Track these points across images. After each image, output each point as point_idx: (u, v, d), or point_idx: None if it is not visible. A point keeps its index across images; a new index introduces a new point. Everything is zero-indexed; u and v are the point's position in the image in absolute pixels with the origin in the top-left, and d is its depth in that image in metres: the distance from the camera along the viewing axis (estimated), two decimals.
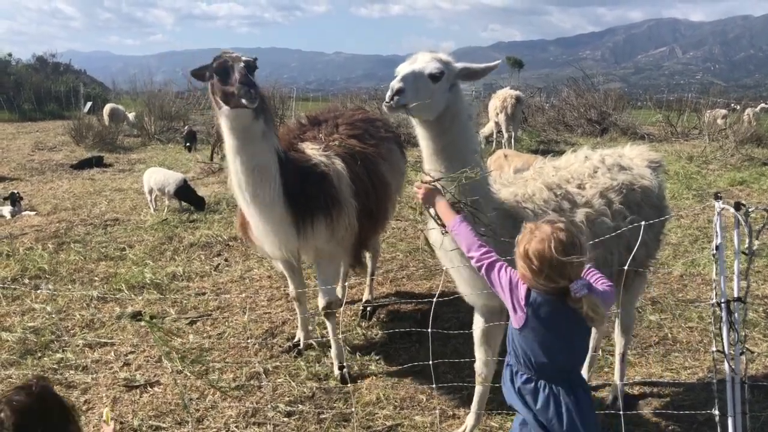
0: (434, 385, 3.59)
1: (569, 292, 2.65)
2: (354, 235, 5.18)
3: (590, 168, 4.17)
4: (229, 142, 4.45)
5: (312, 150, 5.08)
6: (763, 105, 26.68)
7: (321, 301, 5.20)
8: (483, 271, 2.95)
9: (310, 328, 6.00)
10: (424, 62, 3.40)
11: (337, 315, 5.40)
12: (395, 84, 3.27)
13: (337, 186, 4.91)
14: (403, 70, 3.41)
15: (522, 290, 2.79)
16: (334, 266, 5.40)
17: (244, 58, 4.34)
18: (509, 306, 2.86)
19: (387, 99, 3.30)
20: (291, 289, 5.65)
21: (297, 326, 5.96)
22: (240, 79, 4.19)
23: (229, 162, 4.54)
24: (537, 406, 2.87)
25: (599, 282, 2.88)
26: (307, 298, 6.02)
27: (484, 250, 2.96)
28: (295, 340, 5.86)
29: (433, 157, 3.52)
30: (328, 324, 5.33)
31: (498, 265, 2.91)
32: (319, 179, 4.83)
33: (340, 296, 5.91)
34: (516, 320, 2.83)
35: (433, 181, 3.30)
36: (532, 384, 2.88)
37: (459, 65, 3.54)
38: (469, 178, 3.28)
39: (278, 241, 4.78)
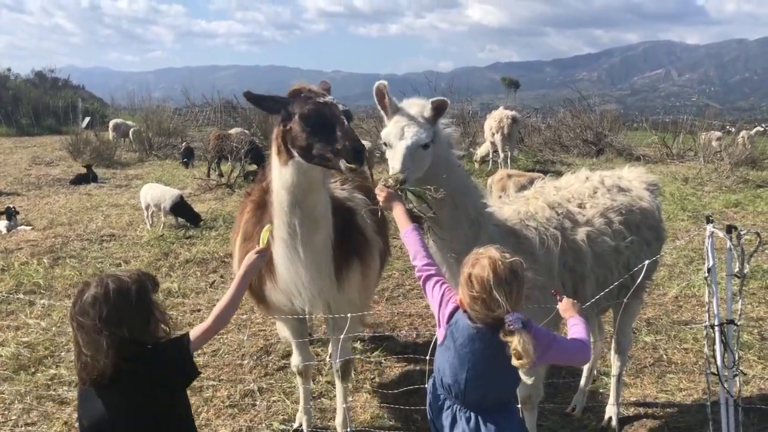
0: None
1: (503, 324, 2.62)
2: (377, 278, 4.70)
3: (590, 188, 4.23)
4: (285, 195, 3.75)
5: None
6: (758, 128, 26.86)
7: (336, 367, 4.54)
8: (421, 281, 3.05)
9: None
10: (413, 132, 3.28)
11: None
12: (399, 176, 3.19)
13: (362, 224, 4.33)
14: (394, 142, 3.30)
15: (449, 308, 2.85)
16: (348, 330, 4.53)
17: (341, 106, 3.59)
18: (436, 320, 2.94)
19: (390, 185, 3.21)
20: (296, 361, 4.67)
21: (299, 407, 4.94)
22: (352, 145, 3.39)
23: (279, 213, 3.83)
24: (437, 421, 2.92)
25: (575, 331, 2.89)
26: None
27: (427, 261, 3.06)
28: (296, 425, 4.85)
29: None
30: (338, 386, 4.60)
31: (435, 279, 3.00)
32: (348, 217, 4.23)
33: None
34: (439, 335, 2.90)
35: (397, 188, 3.26)
36: (440, 402, 2.92)
37: (430, 108, 3.37)
38: (432, 196, 3.29)
39: (317, 289, 4.06)
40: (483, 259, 2.68)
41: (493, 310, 2.63)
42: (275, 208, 3.87)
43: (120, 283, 2.65)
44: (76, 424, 4.70)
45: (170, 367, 2.76)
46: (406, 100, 3.49)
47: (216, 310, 2.96)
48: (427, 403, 3.01)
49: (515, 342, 2.57)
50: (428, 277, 3.01)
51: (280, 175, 3.77)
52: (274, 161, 3.82)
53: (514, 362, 2.60)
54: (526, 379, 2.68)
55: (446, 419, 2.85)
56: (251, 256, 3.15)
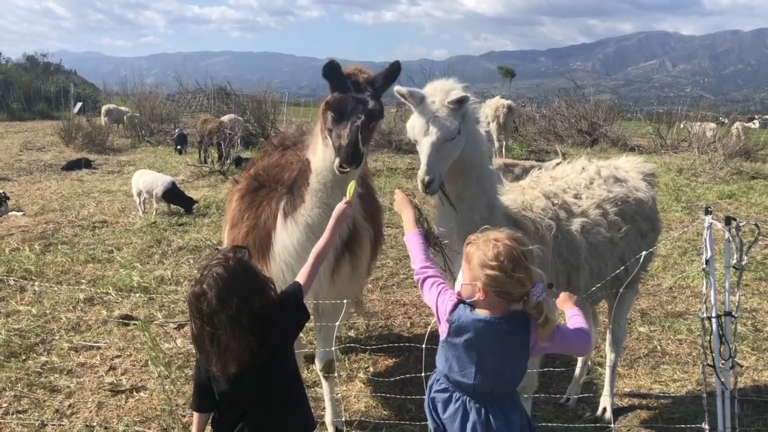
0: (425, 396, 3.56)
1: (528, 302, 2.60)
2: (367, 267, 4.58)
3: (586, 179, 4.20)
4: (329, 176, 3.71)
5: None
6: (753, 121, 26.85)
7: (319, 364, 4.54)
8: (419, 282, 3.02)
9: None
10: (438, 127, 3.18)
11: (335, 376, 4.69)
12: (424, 177, 3.16)
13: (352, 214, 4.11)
14: (420, 139, 3.22)
15: (449, 305, 2.80)
16: (337, 319, 4.54)
17: (371, 104, 3.58)
18: (436, 318, 2.90)
19: (421, 189, 3.20)
20: None
21: None
22: (347, 147, 3.39)
23: (321, 195, 3.79)
24: (444, 415, 2.87)
25: (575, 321, 2.88)
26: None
27: (427, 264, 3.02)
28: None
29: (450, 174, 3.41)
30: (325, 385, 4.59)
31: (432, 279, 2.96)
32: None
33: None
34: (442, 331, 2.86)
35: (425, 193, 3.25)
36: (447, 394, 2.87)
37: (457, 94, 3.23)
38: (442, 240, 3.27)
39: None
40: (502, 239, 2.63)
41: (525, 285, 2.59)
42: (315, 189, 3.80)
43: (227, 269, 2.68)
44: (68, 412, 4.67)
45: (293, 315, 2.88)
46: (430, 84, 3.37)
47: (315, 251, 3.06)
48: (427, 398, 2.97)
49: (543, 311, 2.58)
50: (426, 278, 2.97)
51: (323, 154, 3.71)
52: (319, 139, 3.74)
53: (540, 331, 2.62)
54: (547, 344, 2.68)
55: (456, 412, 2.82)
56: (341, 205, 3.18)
